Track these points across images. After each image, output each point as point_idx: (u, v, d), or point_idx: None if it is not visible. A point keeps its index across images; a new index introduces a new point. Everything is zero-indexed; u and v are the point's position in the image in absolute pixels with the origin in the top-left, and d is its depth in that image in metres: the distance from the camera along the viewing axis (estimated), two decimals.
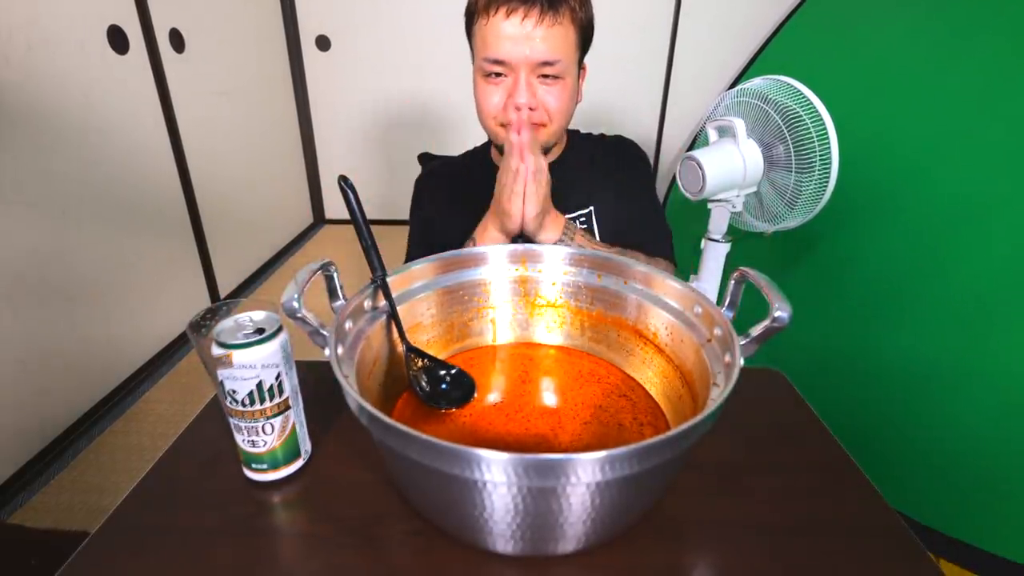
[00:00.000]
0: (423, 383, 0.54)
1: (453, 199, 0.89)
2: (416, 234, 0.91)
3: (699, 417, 0.36)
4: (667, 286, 0.54)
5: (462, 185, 0.90)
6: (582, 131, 0.94)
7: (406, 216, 0.96)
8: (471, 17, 0.74)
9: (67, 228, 1.33)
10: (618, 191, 0.87)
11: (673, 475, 0.44)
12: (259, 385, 0.45)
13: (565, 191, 0.80)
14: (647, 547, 0.44)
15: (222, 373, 0.44)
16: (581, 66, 0.78)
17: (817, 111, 1.24)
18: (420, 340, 0.57)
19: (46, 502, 1.21)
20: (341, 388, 0.38)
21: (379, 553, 0.43)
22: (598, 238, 0.85)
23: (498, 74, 0.73)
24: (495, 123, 0.76)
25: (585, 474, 0.33)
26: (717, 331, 0.47)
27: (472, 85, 0.77)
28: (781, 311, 0.40)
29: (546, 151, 0.80)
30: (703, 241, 1.17)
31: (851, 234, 1.41)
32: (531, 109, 0.72)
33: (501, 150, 0.75)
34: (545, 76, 0.72)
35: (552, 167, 0.73)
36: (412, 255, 0.87)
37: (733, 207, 1.46)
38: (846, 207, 1.37)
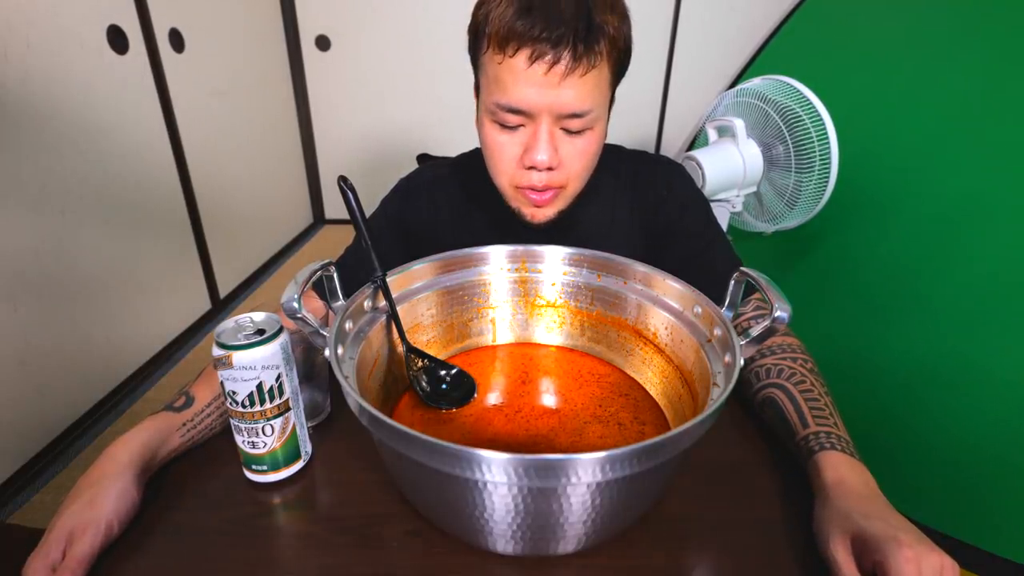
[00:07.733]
0: (423, 383, 0.54)
1: (450, 216, 0.76)
2: (378, 233, 0.74)
3: (699, 417, 0.36)
4: (667, 286, 0.54)
5: (463, 202, 0.76)
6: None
7: None
8: (477, 41, 0.58)
9: (67, 228, 1.32)
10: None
11: (673, 475, 0.44)
12: (259, 386, 0.45)
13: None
14: (647, 547, 0.44)
15: (222, 374, 0.44)
16: (612, 100, 0.63)
17: (817, 111, 1.24)
18: (420, 340, 0.57)
19: (46, 502, 1.21)
20: (341, 388, 0.38)
21: (379, 553, 0.43)
22: None
23: (513, 124, 0.59)
24: (511, 185, 0.63)
25: (585, 474, 0.33)
26: (717, 331, 0.47)
27: (477, 125, 0.63)
28: (781, 311, 0.40)
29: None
30: None
31: (851, 234, 1.41)
32: (550, 168, 0.60)
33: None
34: (570, 127, 0.59)
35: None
36: (353, 254, 0.73)
37: (733, 207, 1.46)
38: (846, 207, 1.37)
